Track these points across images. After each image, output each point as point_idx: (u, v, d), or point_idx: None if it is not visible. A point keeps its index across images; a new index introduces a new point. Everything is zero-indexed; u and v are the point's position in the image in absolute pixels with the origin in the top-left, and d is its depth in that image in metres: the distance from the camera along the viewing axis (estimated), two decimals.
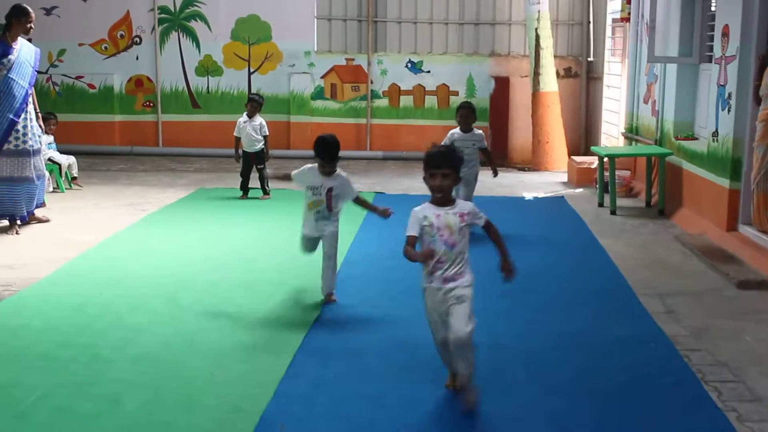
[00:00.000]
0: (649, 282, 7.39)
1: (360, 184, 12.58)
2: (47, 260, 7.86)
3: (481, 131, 9.17)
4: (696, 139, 10.24)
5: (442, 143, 7.04)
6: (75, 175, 11.88)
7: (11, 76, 8.87)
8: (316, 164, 6.86)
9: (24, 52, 9.06)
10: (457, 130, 9.10)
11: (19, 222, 9.08)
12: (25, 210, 9.10)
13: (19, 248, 8.37)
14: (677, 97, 10.62)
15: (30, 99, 9.10)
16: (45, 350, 5.52)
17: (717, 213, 9.01)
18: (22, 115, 8.97)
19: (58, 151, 11.86)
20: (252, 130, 11.08)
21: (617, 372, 5.30)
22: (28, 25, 8.98)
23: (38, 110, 9.42)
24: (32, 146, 9.09)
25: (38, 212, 9.52)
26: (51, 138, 11.89)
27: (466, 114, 9.05)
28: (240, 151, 11.20)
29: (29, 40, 9.42)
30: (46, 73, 15.80)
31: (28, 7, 9.02)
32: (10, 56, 8.87)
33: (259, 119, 11.15)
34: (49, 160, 11.41)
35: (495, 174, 9.36)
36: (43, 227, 9.30)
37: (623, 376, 5.24)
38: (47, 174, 10.94)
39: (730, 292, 7.14)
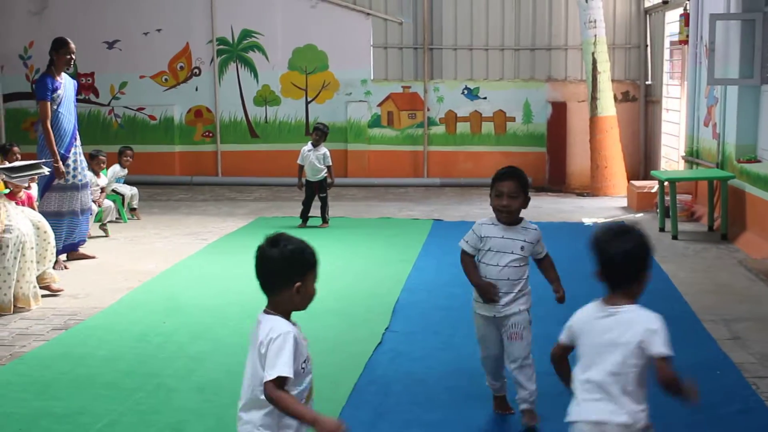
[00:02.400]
0: (714, 308, 7.26)
1: (417, 212, 12.61)
2: (110, 290, 7.99)
3: (536, 227, 4.93)
4: (759, 161, 10.08)
5: (463, 243, 4.87)
6: (135, 206, 12.05)
7: (60, 110, 8.94)
8: (282, 319, 3.30)
9: (68, 86, 9.10)
10: (487, 220, 4.87)
11: (64, 258, 9.01)
12: (61, 244, 8.98)
13: (83, 278, 8.50)
14: (739, 119, 10.48)
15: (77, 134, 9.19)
16: (110, 379, 5.60)
17: None
18: (72, 150, 9.08)
19: (124, 182, 12.06)
20: (316, 159, 11.15)
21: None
22: (68, 57, 8.93)
23: (81, 144, 9.35)
24: (81, 180, 9.16)
25: (86, 249, 9.46)
26: (125, 172, 12.05)
27: (515, 190, 4.75)
28: (303, 180, 11.28)
29: (70, 73, 9.34)
30: (108, 105, 16.13)
31: (67, 39, 9.02)
32: (59, 90, 8.92)
33: (323, 149, 11.22)
34: (113, 191, 11.61)
35: (561, 299, 4.85)
36: (106, 257, 9.44)
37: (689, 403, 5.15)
38: (112, 204, 11.14)
39: None
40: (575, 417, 3.34)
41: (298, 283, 3.26)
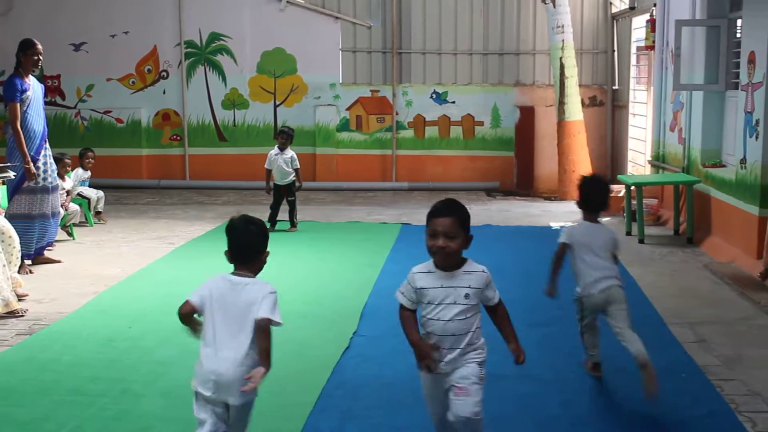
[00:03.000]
0: (679, 311, 7.32)
1: (385, 216, 12.61)
2: (76, 294, 7.91)
3: (483, 269, 4.11)
4: (724, 166, 10.18)
5: (399, 296, 4.22)
6: (100, 209, 11.95)
7: (29, 112, 8.84)
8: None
9: (36, 88, 9.02)
10: (423, 267, 4.19)
11: (28, 261, 8.88)
12: (33, 248, 8.96)
13: (48, 282, 8.42)
14: (704, 124, 10.58)
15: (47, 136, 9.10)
16: (75, 385, 5.54)
17: (746, 240, 8.94)
18: (42, 152, 8.99)
19: (89, 185, 11.99)
20: (283, 162, 11.13)
21: (648, 402, 5.24)
22: (36, 58, 8.82)
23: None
24: (51, 183, 9.09)
25: (51, 253, 9.40)
26: (88, 174, 11.99)
27: (452, 229, 4.10)
28: (271, 184, 11.25)
29: (36, 76, 9.25)
30: (74, 108, 16.00)
31: (34, 40, 8.93)
32: (28, 92, 8.83)
33: (290, 152, 11.21)
34: (79, 194, 11.52)
35: (520, 361, 4.12)
36: (72, 261, 9.35)
37: (654, 406, 5.18)
38: (78, 208, 11.06)
39: (761, 320, 7.07)
40: (593, 290, 5.45)
41: (267, 252, 4.11)
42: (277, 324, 3.93)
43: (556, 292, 5.55)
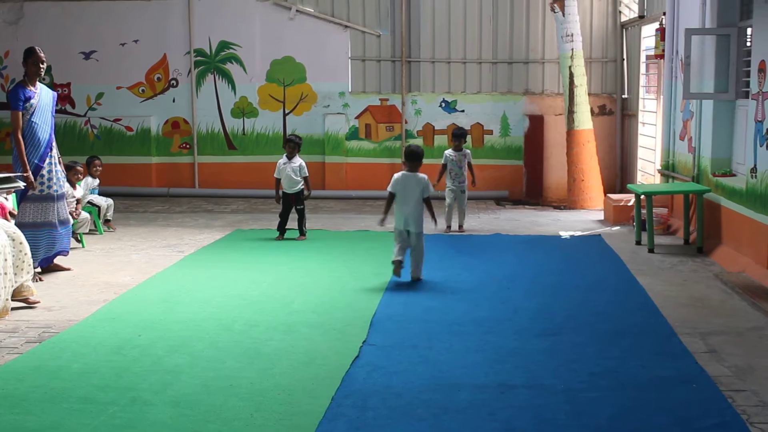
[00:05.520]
0: (690, 321, 7.29)
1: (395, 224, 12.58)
2: (86, 302, 7.92)
3: None
4: (734, 175, 10.16)
5: None
6: (109, 217, 11.96)
7: (34, 120, 8.83)
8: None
9: (43, 96, 9.01)
10: None
11: (38, 269, 8.87)
12: (41, 256, 8.95)
13: (58, 290, 8.43)
14: (714, 133, 10.55)
15: (54, 144, 9.09)
16: (85, 393, 5.54)
17: (757, 250, 8.91)
18: (47, 160, 8.99)
19: (98, 193, 12.01)
20: (292, 171, 11.15)
21: (658, 413, 5.22)
22: (36, 65, 8.83)
23: (59, 155, 9.28)
24: (56, 191, 9.05)
25: (62, 261, 9.39)
26: (97, 182, 12.01)
27: None
28: (280, 192, 11.26)
29: (47, 84, 9.28)
30: (84, 116, 16.05)
31: (35, 47, 8.94)
32: (32, 100, 8.83)
33: (298, 160, 11.23)
34: (89, 202, 11.54)
35: None
36: (81, 269, 9.36)
37: (665, 417, 5.16)
38: (88, 216, 11.07)
39: None
40: (455, 185, 12.06)
41: (422, 163, 8.71)
42: (430, 195, 8.74)
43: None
